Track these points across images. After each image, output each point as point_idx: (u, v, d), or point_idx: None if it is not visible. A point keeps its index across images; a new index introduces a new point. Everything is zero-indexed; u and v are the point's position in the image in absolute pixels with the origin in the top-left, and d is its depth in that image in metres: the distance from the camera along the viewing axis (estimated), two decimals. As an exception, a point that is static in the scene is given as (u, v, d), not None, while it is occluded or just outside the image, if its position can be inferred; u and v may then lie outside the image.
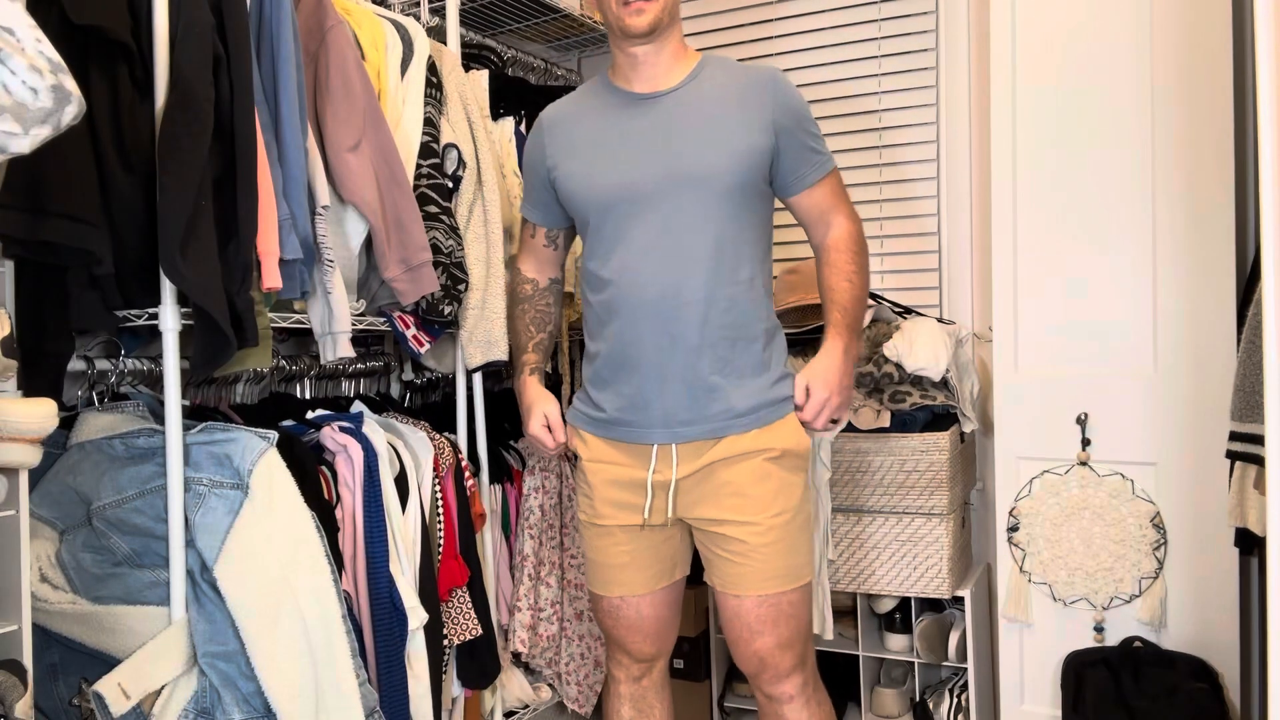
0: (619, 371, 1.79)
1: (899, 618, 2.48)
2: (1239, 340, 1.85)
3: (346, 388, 2.36)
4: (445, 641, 1.99)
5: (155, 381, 1.88)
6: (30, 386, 1.55)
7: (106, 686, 1.52)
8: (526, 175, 1.95)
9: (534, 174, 1.92)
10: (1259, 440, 1.68)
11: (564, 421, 1.92)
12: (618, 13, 1.74)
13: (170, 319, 1.60)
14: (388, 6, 2.37)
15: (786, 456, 1.77)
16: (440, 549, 2.01)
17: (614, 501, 1.82)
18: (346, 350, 1.81)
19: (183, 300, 1.60)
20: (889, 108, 2.76)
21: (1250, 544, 1.91)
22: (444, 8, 2.31)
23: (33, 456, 1.43)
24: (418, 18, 2.34)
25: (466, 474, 2.12)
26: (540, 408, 1.91)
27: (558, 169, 1.85)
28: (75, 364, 1.73)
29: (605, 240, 1.79)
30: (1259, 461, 1.70)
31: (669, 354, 1.75)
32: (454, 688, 2.07)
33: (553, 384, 2.82)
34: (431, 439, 2.03)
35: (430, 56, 2.09)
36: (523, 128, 2.48)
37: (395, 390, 2.51)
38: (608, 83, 1.87)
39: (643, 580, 1.85)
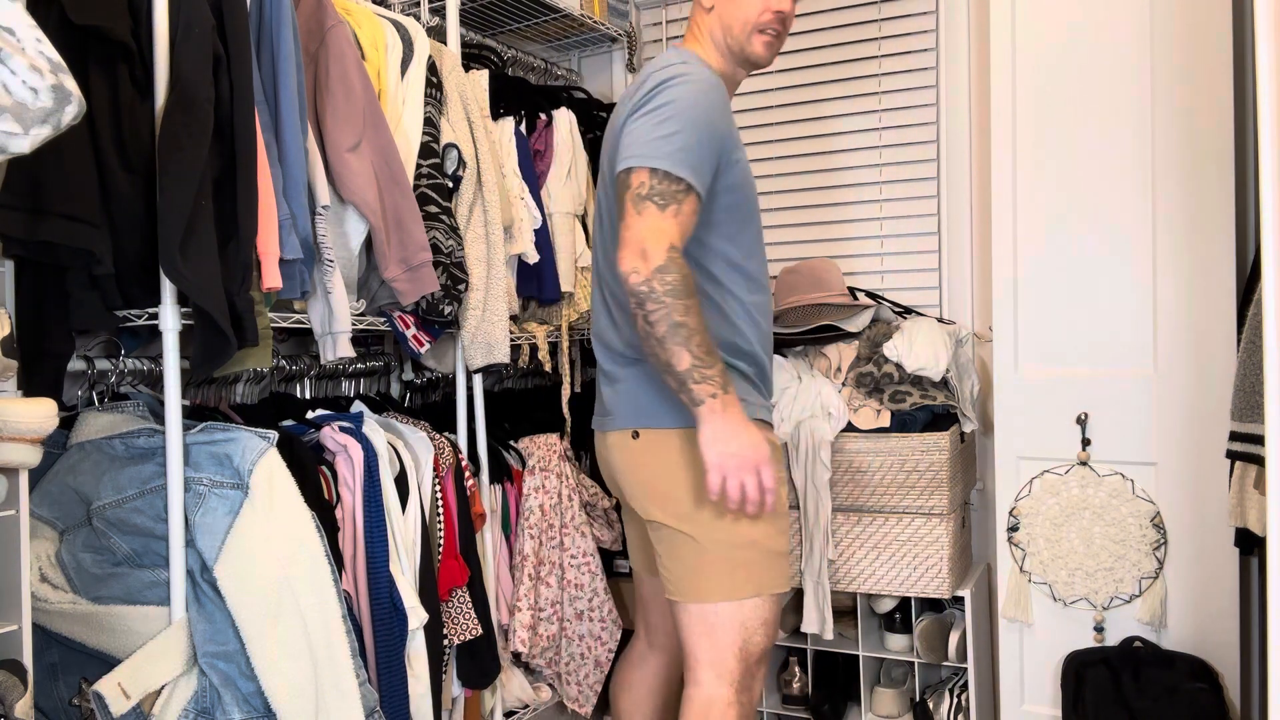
0: (769, 365, 1.85)
1: (899, 618, 2.48)
2: (1239, 340, 1.85)
3: (346, 388, 2.36)
4: (445, 641, 1.99)
5: (155, 381, 1.88)
6: (30, 386, 1.55)
7: (106, 686, 1.52)
8: (707, 141, 1.65)
9: (715, 143, 1.67)
10: (1259, 440, 1.68)
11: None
12: (749, 35, 1.76)
13: (170, 319, 1.60)
14: (388, 6, 2.37)
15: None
16: (440, 549, 2.01)
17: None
18: (346, 350, 1.82)
19: (183, 300, 1.60)
20: (889, 108, 2.76)
21: (1250, 544, 1.91)
22: (444, 8, 2.31)
23: (33, 456, 1.43)
24: (418, 18, 2.34)
25: (466, 474, 2.12)
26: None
27: (737, 152, 1.74)
28: (75, 364, 1.73)
29: (759, 246, 1.81)
30: (1259, 461, 1.70)
31: None
32: (454, 687, 2.07)
33: (554, 384, 2.82)
34: (431, 439, 2.03)
35: (430, 56, 2.09)
36: (522, 128, 2.48)
37: (395, 390, 2.51)
38: (720, 80, 1.79)
39: None
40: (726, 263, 1.75)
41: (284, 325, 1.82)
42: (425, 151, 2.03)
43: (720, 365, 1.61)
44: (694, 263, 1.69)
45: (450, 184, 2.10)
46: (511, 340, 2.24)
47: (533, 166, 2.48)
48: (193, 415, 1.79)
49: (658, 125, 1.61)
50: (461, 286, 2.06)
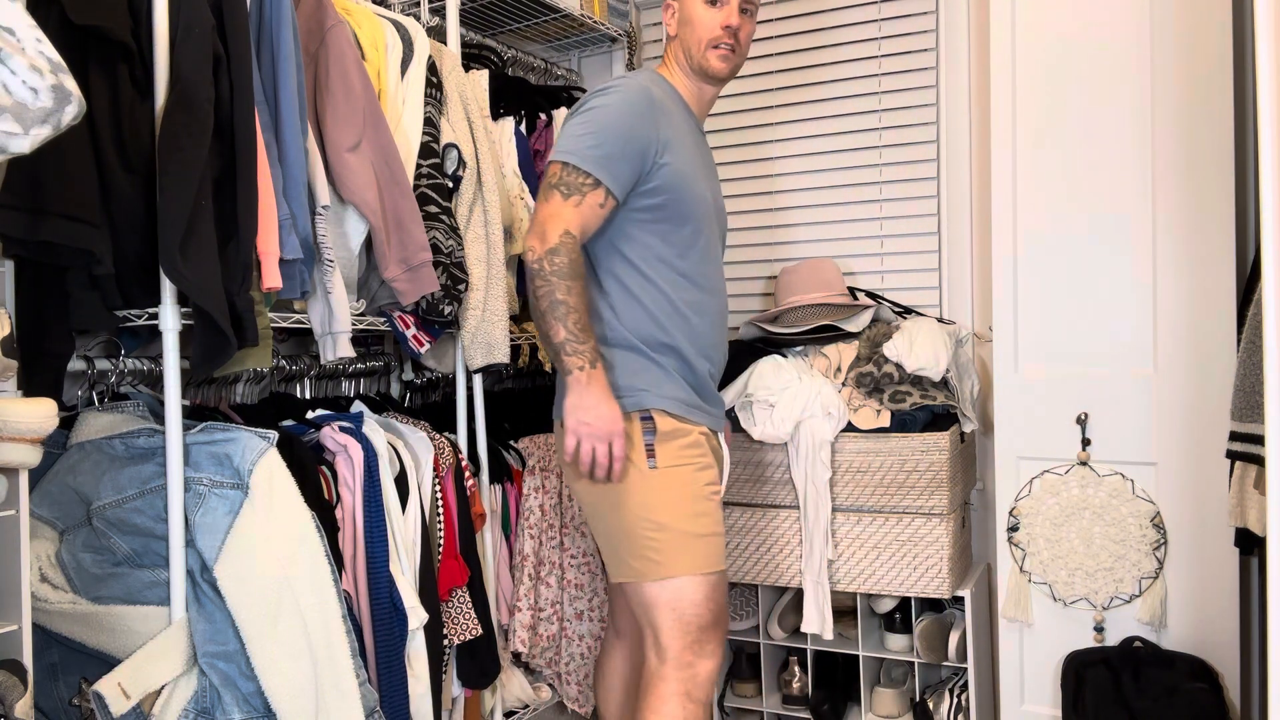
0: (700, 362, 1.91)
1: (899, 618, 2.48)
2: (1239, 340, 1.85)
3: (346, 388, 2.36)
4: (445, 641, 1.99)
5: (155, 381, 1.88)
6: (30, 386, 1.55)
7: (106, 686, 1.52)
8: (625, 142, 1.80)
9: (636, 145, 1.81)
10: (1259, 440, 1.68)
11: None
12: (704, 53, 1.93)
13: (170, 319, 1.60)
14: (388, 6, 2.37)
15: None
16: (440, 549, 2.01)
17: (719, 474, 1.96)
18: (346, 350, 1.82)
19: (183, 300, 1.60)
20: (889, 108, 2.76)
21: (1250, 544, 1.91)
22: (444, 8, 2.31)
23: (33, 456, 1.43)
24: (418, 18, 2.34)
25: (466, 474, 2.12)
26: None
27: (666, 156, 1.84)
28: (75, 364, 1.73)
29: (697, 247, 1.91)
30: (1259, 461, 1.70)
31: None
32: (454, 688, 2.07)
33: (554, 384, 2.82)
34: (431, 439, 2.03)
35: (430, 56, 2.09)
36: (522, 128, 2.48)
37: (395, 390, 2.51)
38: (678, 94, 1.97)
39: None
40: (658, 260, 1.87)
41: (284, 325, 1.82)
42: (425, 151, 2.03)
43: (593, 344, 1.77)
44: (621, 257, 1.86)
45: (450, 184, 2.10)
46: (511, 340, 2.24)
47: (533, 166, 2.48)
48: (193, 415, 1.79)
49: (579, 126, 1.81)
50: (461, 286, 2.06)
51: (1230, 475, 1.88)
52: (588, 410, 1.76)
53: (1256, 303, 1.68)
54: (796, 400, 2.40)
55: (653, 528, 1.81)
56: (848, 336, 2.53)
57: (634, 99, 1.83)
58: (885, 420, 2.37)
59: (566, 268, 1.73)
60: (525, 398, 2.79)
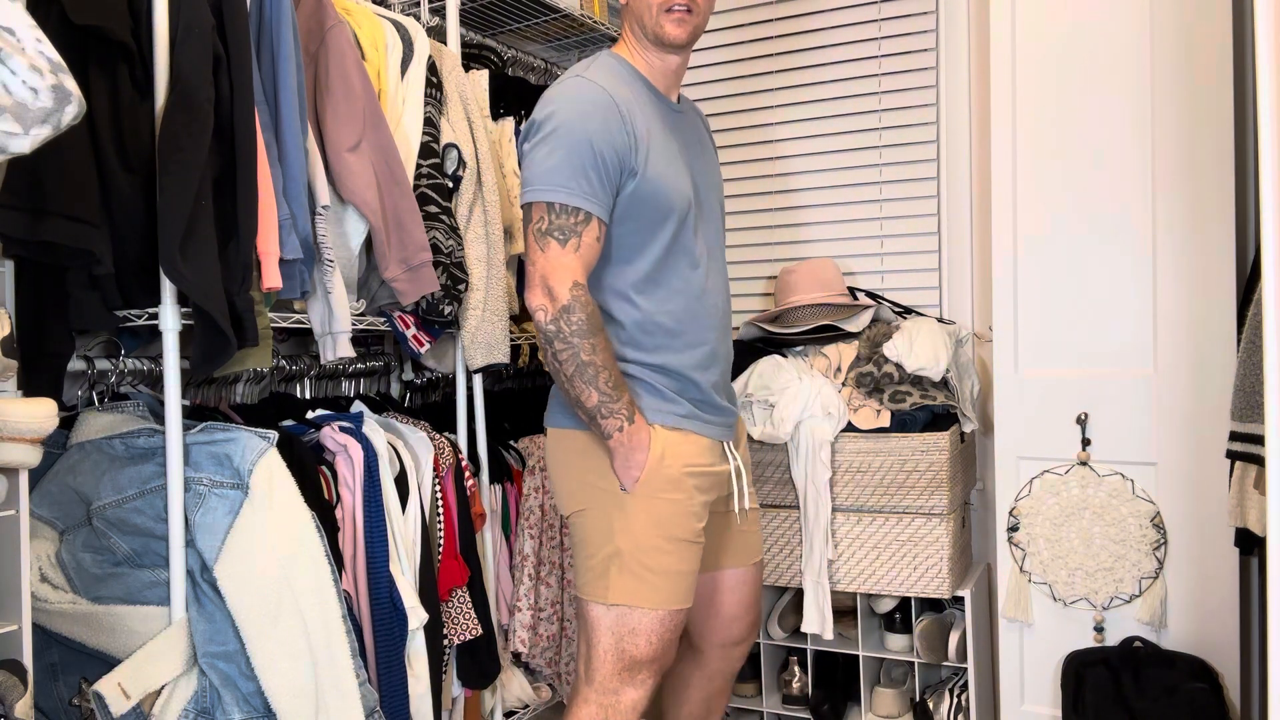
0: (699, 374, 1.81)
1: (899, 618, 2.48)
2: (1239, 340, 1.85)
3: (346, 388, 2.36)
4: (445, 641, 1.99)
5: (155, 381, 1.88)
6: (30, 386, 1.55)
7: (106, 686, 1.52)
8: (599, 162, 1.66)
9: (612, 164, 1.67)
10: (1259, 440, 1.68)
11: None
12: (657, 19, 1.75)
13: (170, 319, 1.60)
14: (388, 6, 2.37)
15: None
16: (440, 549, 2.01)
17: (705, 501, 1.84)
18: (346, 350, 1.82)
19: (183, 300, 1.60)
20: (889, 108, 2.76)
21: (1250, 544, 1.91)
22: (444, 8, 2.31)
23: (33, 456, 1.43)
24: (418, 18, 2.34)
25: (466, 474, 2.12)
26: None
27: (635, 165, 1.70)
28: (75, 364, 1.73)
29: (677, 248, 1.78)
30: (1259, 461, 1.70)
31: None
32: (454, 688, 2.07)
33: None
34: (431, 439, 2.03)
35: (430, 56, 2.09)
36: (523, 127, 2.48)
37: (395, 390, 2.51)
38: (640, 76, 1.81)
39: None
40: (634, 275, 1.75)
41: (284, 325, 1.82)
42: (425, 151, 2.03)
43: (627, 397, 1.69)
44: (594, 280, 1.73)
45: (450, 184, 2.10)
46: (511, 340, 2.24)
47: (533, 166, 2.47)
48: (193, 415, 1.79)
49: (551, 156, 1.65)
50: (461, 286, 2.06)
51: (1230, 475, 1.88)
52: (638, 466, 1.70)
53: (1256, 303, 1.68)
54: (796, 400, 2.40)
55: (611, 552, 1.74)
56: (848, 336, 2.53)
57: (591, 110, 1.67)
58: (885, 420, 2.37)
59: (586, 324, 1.62)
60: (525, 398, 2.79)
